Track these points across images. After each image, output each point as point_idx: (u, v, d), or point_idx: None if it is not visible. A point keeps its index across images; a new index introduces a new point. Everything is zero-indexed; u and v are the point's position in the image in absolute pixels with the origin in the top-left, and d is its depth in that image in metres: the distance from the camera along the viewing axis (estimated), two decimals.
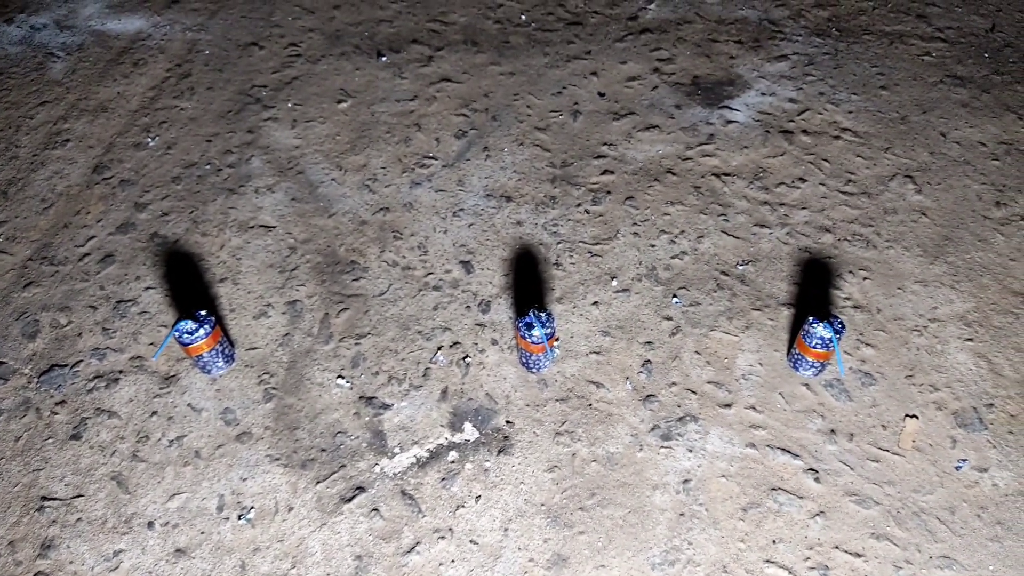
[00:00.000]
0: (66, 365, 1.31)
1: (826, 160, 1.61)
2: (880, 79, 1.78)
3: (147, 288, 1.41)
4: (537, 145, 1.64)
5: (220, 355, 1.26)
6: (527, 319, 1.25)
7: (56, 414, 1.26)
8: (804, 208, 1.53)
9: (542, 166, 1.61)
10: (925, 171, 1.60)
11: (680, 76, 1.76)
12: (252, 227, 1.50)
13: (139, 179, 1.58)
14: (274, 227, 1.50)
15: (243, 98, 1.73)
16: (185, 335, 1.21)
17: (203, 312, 1.23)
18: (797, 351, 1.27)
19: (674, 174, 1.59)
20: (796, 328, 1.34)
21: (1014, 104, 1.71)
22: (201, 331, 1.21)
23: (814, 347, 1.23)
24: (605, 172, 1.59)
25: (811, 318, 1.24)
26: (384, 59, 1.80)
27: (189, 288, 1.41)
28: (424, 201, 1.55)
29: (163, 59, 1.80)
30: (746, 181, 1.57)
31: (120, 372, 1.30)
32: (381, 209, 1.53)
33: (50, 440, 1.24)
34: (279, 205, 1.53)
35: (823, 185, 1.57)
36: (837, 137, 1.66)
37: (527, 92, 1.74)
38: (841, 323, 1.22)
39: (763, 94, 1.72)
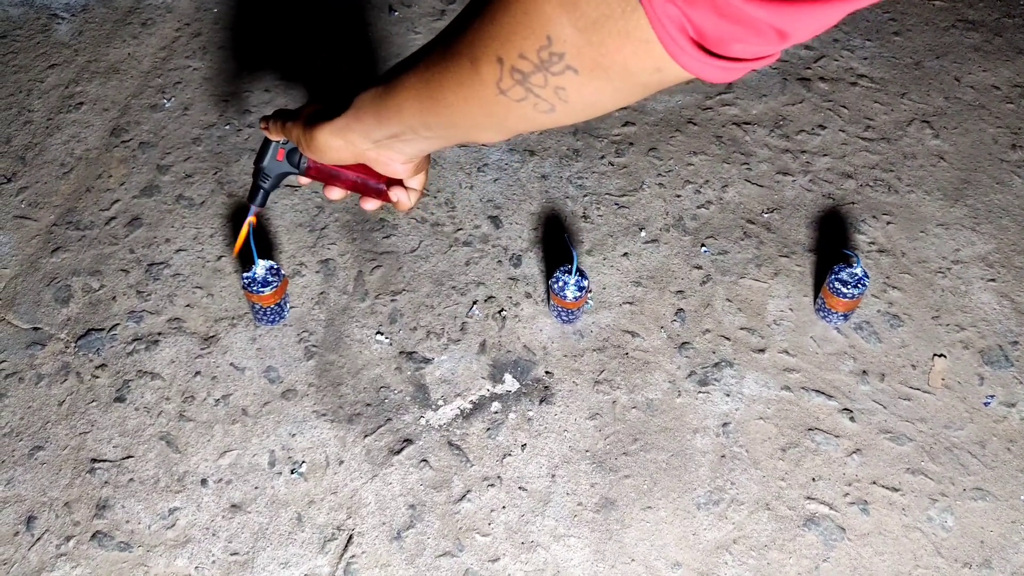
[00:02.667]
0: (103, 329, 1.32)
1: (844, 107, 1.63)
2: (893, 24, 1.78)
3: (178, 250, 1.41)
4: None
5: (280, 310, 1.30)
6: (561, 277, 1.26)
7: (97, 378, 1.27)
8: (825, 155, 1.55)
9: None
10: (941, 116, 1.62)
11: None
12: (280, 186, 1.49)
13: (159, 141, 1.56)
14: (299, 187, 1.49)
15: (257, 56, 1.71)
16: (255, 285, 1.24)
17: (275, 265, 1.26)
18: (823, 301, 1.30)
19: (695, 124, 1.59)
20: (821, 275, 1.36)
21: None
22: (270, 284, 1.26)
23: (843, 294, 1.25)
24: (626, 124, 1.59)
25: (835, 266, 1.26)
26: (396, 13, 1.78)
27: (220, 249, 1.41)
28: (447, 157, 1.55)
29: (171, 18, 1.77)
30: (767, 129, 1.59)
31: (159, 334, 1.31)
32: None
33: (94, 403, 1.24)
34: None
35: (843, 132, 1.59)
36: (854, 83, 1.67)
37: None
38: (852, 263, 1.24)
39: None
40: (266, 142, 0.93)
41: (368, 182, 0.87)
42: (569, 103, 0.54)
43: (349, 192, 0.90)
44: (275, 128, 0.87)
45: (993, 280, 1.38)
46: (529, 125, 0.59)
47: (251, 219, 1.03)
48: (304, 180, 0.94)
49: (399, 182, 0.84)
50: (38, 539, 1.12)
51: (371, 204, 0.88)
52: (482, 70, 0.55)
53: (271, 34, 1.75)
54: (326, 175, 0.90)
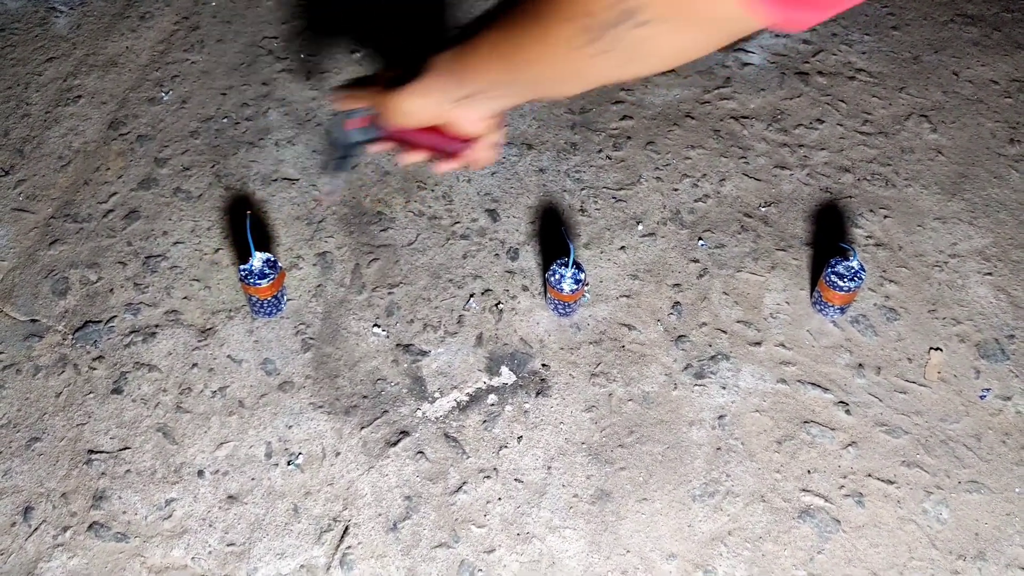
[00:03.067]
0: (100, 321, 1.32)
1: (842, 101, 1.63)
2: (891, 19, 1.78)
3: (175, 243, 1.41)
4: None
5: (276, 302, 1.30)
6: (557, 270, 1.27)
7: (94, 369, 1.27)
8: (823, 149, 1.55)
9: (561, 113, 1.61)
10: (939, 110, 1.62)
11: None
12: (275, 180, 1.49)
13: (156, 134, 1.56)
14: (297, 180, 1.50)
15: (255, 50, 1.71)
16: (251, 277, 1.24)
17: (271, 257, 1.26)
18: (820, 294, 1.30)
19: (693, 118, 1.59)
20: (818, 268, 1.36)
21: None
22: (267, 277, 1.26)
23: (839, 288, 1.25)
24: (624, 117, 1.59)
25: (833, 260, 1.26)
26: None
27: (218, 242, 1.41)
28: None
29: (169, 12, 1.77)
30: (764, 123, 1.59)
31: (156, 326, 1.31)
32: None
33: (91, 395, 1.25)
34: (300, 157, 1.53)
35: (840, 126, 1.59)
36: (852, 78, 1.67)
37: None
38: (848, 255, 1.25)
39: (777, 36, 1.72)
40: (337, 113, 0.95)
41: (443, 144, 0.89)
42: (652, 54, 0.56)
43: (422, 156, 0.92)
44: (348, 97, 0.89)
45: (990, 274, 1.38)
46: (610, 77, 0.61)
47: (331, 191, 1.05)
48: (376, 147, 0.95)
49: (473, 141, 0.85)
50: (35, 530, 1.13)
51: (445, 166, 0.91)
52: (564, 26, 0.57)
53: (268, 27, 1.75)
54: (400, 140, 0.92)
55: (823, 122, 1.59)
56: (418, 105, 0.78)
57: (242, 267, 1.26)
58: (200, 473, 1.17)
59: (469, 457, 1.19)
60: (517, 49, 0.63)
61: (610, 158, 1.53)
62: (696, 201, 1.47)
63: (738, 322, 1.33)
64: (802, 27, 0.50)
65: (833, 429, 1.22)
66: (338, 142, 0.96)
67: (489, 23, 0.66)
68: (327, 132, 0.97)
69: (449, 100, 0.76)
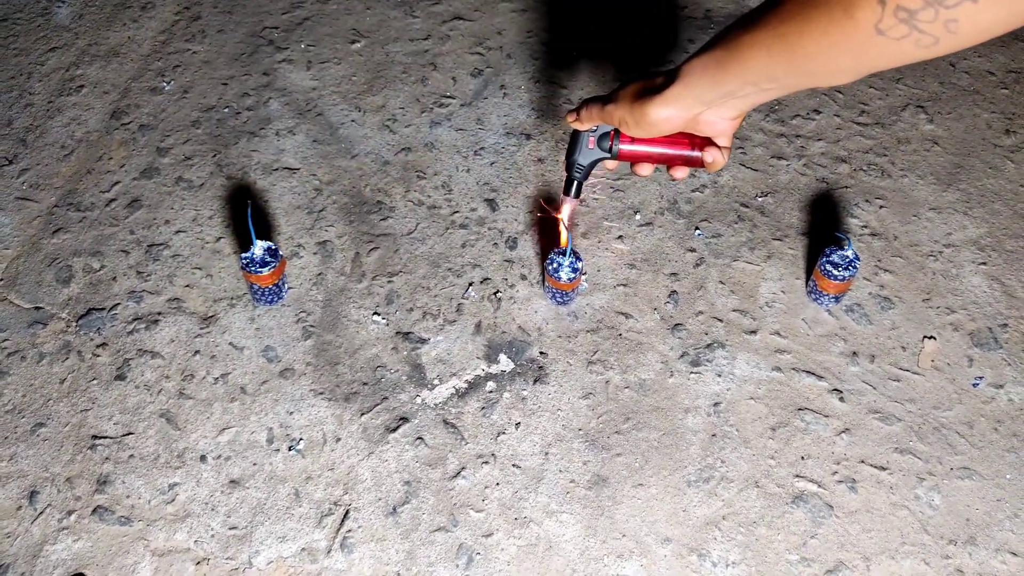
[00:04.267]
0: (103, 308, 1.33)
1: (839, 92, 1.64)
2: None
3: (177, 232, 1.42)
4: (554, 83, 1.65)
5: (278, 290, 1.32)
6: (555, 259, 1.28)
7: (98, 356, 1.29)
8: (820, 139, 1.56)
9: (559, 103, 1.62)
10: (936, 101, 1.63)
11: (693, 10, 1.77)
12: (276, 169, 1.51)
13: (158, 124, 1.57)
14: (298, 169, 1.51)
15: (255, 40, 1.72)
16: (252, 265, 1.26)
17: (273, 246, 1.28)
18: (815, 283, 1.31)
19: None
20: (814, 258, 1.38)
21: (1022, 32, 1.73)
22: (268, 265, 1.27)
23: (835, 276, 1.27)
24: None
25: (827, 249, 1.28)
26: None
27: (219, 231, 1.43)
28: (445, 140, 1.56)
29: (171, 2, 1.78)
30: (762, 114, 1.60)
31: (159, 314, 1.33)
32: (403, 149, 1.54)
33: (95, 381, 1.26)
34: (301, 147, 1.54)
35: (837, 116, 1.60)
36: None
37: (540, 29, 1.74)
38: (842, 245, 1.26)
39: None
40: (576, 133, 1.01)
41: (679, 152, 0.93)
42: (958, 34, 0.57)
43: (656, 166, 0.97)
44: (588, 116, 0.94)
45: (984, 264, 1.40)
46: (898, 61, 0.62)
47: (569, 212, 1.14)
48: (612, 164, 1.01)
49: (709, 143, 0.90)
50: (40, 513, 1.14)
51: (682, 172, 0.95)
52: (857, 15, 0.58)
53: (269, 17, 1.75)
54: (637, 154, 0.97)
55: (820, 113, 1.60)
56: (668, 113, 0.82)
57: (243, 255, 1.27)
58: (203, 458, 1.19)
59: (468, 443, 1.21)
60: (794, 44, 0.65)
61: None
62: (693, 191, 1.49)
63: (734, 311, 1.34)
64: None
65: (827, 416, 1.23)
66: (578, 163, 1.01)
67: (755, 20, 0.69)
68: (567, 155, 1.02)
69: (700, 103, 0.80)
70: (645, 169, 0.98)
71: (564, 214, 1.17)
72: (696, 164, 0.95)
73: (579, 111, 0.96)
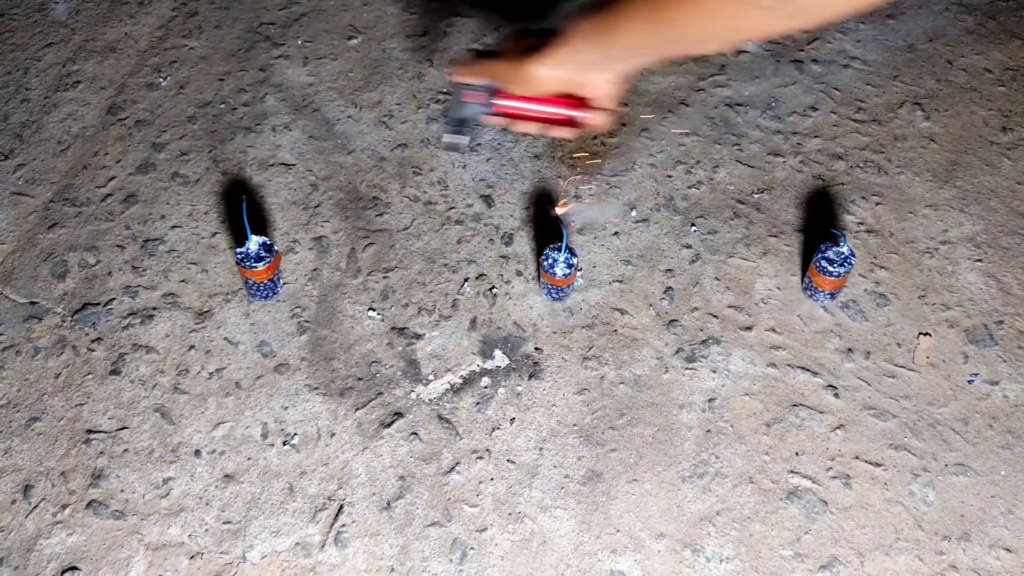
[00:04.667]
0: (99, 303, 1.33)
1: (836, 88, 1.63)
2: (887, 8, 1.79)
3: (173, 227, 1.42)
4: None
5: (273, 285, 1.32)
6: (551, 255, 1.28)
7: (93, 351, 1.29)
8: (816, 136, 1.56)
9: None
10: (933, 98, 1.63)
11: None
12: (272, 165, 1.51)
13: (154, 119, 1.57)
14: (294, 165, 1.51)
15: (252, 36, 1.72)
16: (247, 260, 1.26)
17: (268, 241, 1.28)
18: (810, 280, 1.31)
19: (687, 105, 1.60)
20: (810, 255, 1.38)
21: (1019, 30, 1.73)
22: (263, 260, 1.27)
23: (830, 273, 1.27)
24: (619, 104, 1.60)
25: (822, 245, 1.28)
26: None
27: (215, 226, 1.43)
28: (441, 136, 1.56)
29: None
30: (759, 111, 1.60)
31: (154, 309, 1.33)
32: (399, 145, 1.54)
33: (90, 376, 1.26)
34: (297, 143, 1.54)
35: (834, 113, 1.59)
36: (846, 66, 1.67)
37: (536, 26, 1.74)
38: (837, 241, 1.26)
39: None
40: (457, 85, 0.98)
41: (557, 110, 0.91)
42: (826, 6, 0.59)
43: (536, 127, 0.95)
44: (468, 70, 0.92)
45: (980, 260, 1.40)
46: (769, 31, 0.63)
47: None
48: (491, 120, 0.98)
49: (590, 106, 0.89)
50: (35, 507, 1.14)
51: (560, 132, 0.94)
52: None
53: (266, 13, 1.75)
54: (516, 112, 0.94)
55: (817, 109, 1.60)
56: (549, 74, 0.82)
57: (239, 250, 1.27)
58: (197, 453, 1.19)
59: (462, 438, 1.21)
60: (671, 10, 0.66)
61: (604, 144, 1.54)
62: (689, 188, 1.49)
63: (729, 307, 1.34)
64: None
65: (821, 412, 1.23)
66: (455, 115, 0.99)
67: None
68: (447, 105, 0.98)
69: (583, 65, 0.80)
70: (525, 127, 0.96)
71: (445, 147, 1.09)
72: (574, 125, 0.93)
73: (461, 65, 0.95)
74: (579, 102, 0.90)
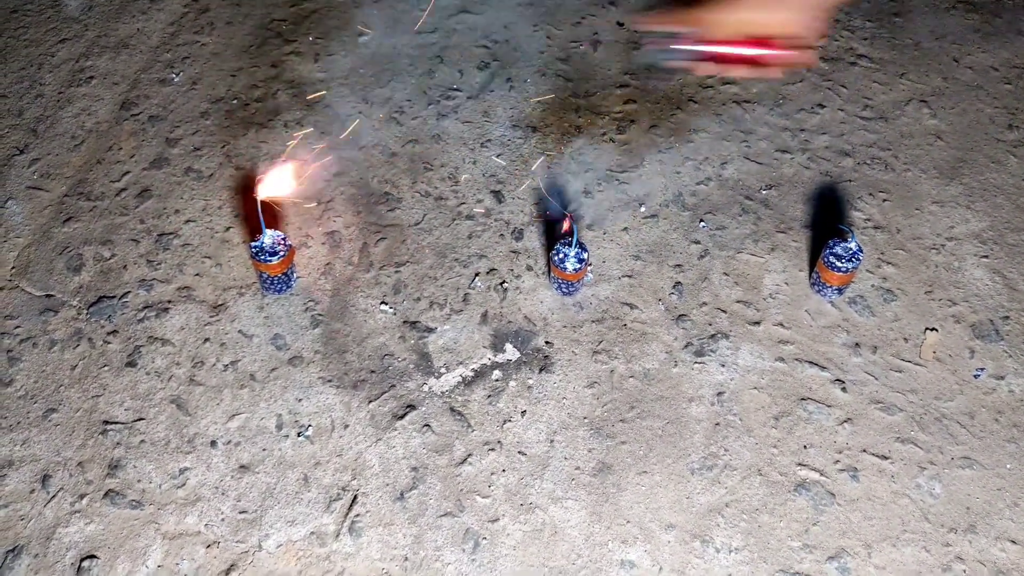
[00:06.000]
0: (114, 297, 1.35)
1: (843, 86, 1.65)
2: (893, 6, 1.80)
3: (187, 221, 1.44)
4: (560, 76, 1.66)
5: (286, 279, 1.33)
6: (561, 250, 1.29)
7: (109, 343, 1.30)
8: (824, 133, 1.57)
9: (566, 96, 1.63)
10: (939, 96, 1.64)
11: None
12: (284, 160, 1.52)
13: (167, 115, 1.59)
14: (306, 160, 1.52)
15: (263, 32, 1.73)
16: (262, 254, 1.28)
17: (282, 235, 1.30)
18: (818, 275, 1.32)
19: (696, 102, 1.62)
20: (817, 250, 1.39)
21: None
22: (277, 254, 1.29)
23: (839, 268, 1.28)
24: (628, 101, 1.62)
25: (831, 241, 1.29)
26: None
27: (228, 220, 1.44)
28: (452, 132, 1.57)
29: None
30: (766, 108, 1.61)
31: (169, 302, 1.34)
32: (410, 141, 1.56)
33: (106, 368, 1.28)
34: (309, 139, 1.55)
35: (841, 111, 1.61)
36: (854, 63, 1.69)
37: (546, 23, 1.76)
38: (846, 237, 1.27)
39: None
40: (644, 35, 0.99)
41: (759, 52, 0.93)
42: None
43: (723, 67, 0.97)
44: (660, 19, 0.95)
45: (986, 256, 1.41)
46: None
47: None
48: (680, 64, 0.99)
49: (786, 46, 0.91)
50: (53, 497, 1.16)
51: (769, 72, 0.95)
52: None
53: (277, 9, 1.77)
54: (708, 56, 0.97)
55: (824, 107, 1.61)
56: (752, 12, 0.85)
57: (253, 244, 1.29)
58: (213, 443, 1.20)
59: (474, 430, 1.22)
60: None
61: (614, 141, 1.55)
62: (698, 184, 1.50)
63: (738, 302, 1.35)
64: None
65: (829, 406, 1.25)
66: (649, 61, 1.00)
67: None
68: (639, 51, 0.99)
69: (783, 3, 0.84)
70: (710, 69, 0.98)
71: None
72: (769, 63, 0.94)
73: (647, 14, 0.98)
74: (779, 41, 0.91)
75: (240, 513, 1.15)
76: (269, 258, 1.27)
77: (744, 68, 0.96)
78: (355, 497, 1.16)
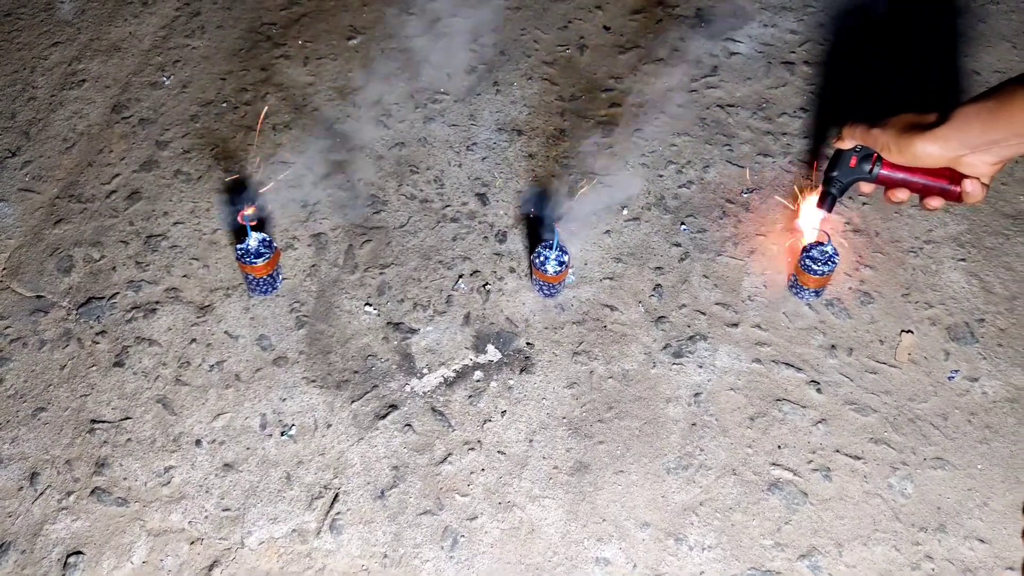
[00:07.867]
0: (103, 297, 1.37)
1: (826, 90, 1.66)
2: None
3: (176, 223, 1.46)
4: (546, 79, 1.68)
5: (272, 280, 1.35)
6: (542, 252, 1.31)
7: (97, 343, 1.32)
8: (806, 137, 1.59)
9: (551, 100, 1.65)
10: (921, 100, 1.65)
11: (684, 8, 1.80)
12: (272, 163, 1.54)
13: (158, 118, 1.61)
14: (294, 163, 1.54)
15: (253, 36, 1.75)
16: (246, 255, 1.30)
17: (268, 237, 1.32)
18: (796, 278, 1.34)
19: (680, 106, 1.64)
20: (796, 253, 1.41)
21: (1009, 33, 1.76)
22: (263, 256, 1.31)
23: (815, 271, 1.30)
24: (613, 105, 1.64)
25: (807, 244, 1.31)
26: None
27: (216, 223, 1.46)
28: (438, 136, 1.59)
29: None
30: (750, 112, 1.63)
31: (157, 303, 1.36)
32: (396, 144, 1.58)
33: (94, 368, 1.30)
34: (297, 142, 1.57)
35: (823, 115, 1.62)
36: (836, 68, 1.70)
37: (533, 27, 1.77)
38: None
39: (765, 25, 1.76)
40: (839, 151, 1.07)
41: (935, 183, 1.00)
42: None
43: (911, 194, 1.04)
44: (851, 135, 1.03)
45: (963, 260, 1.43)
46: None
47: (819, 222, 1.23)
48: (869, 188, 1.07)
49: (963, 181, 0.98)
50: (41, 494, 1.19)
51: (936, 202, 1.03)
52: None
53: (267, 13, 1.79)
54: (896, 180, 1.03)
55: (807, 111, 1.63)
56: (932, 150, 0.93)
57: (238, 246, 1.31)
58: (198, 442, 1.23)
59: (454, 430, 1.24)
60: None
61: (598, 144, 1.57)
62: (680, 187, 1.52)
63: (716, 304, 1.37)
64: None
65: (804, 407, 1.27)
66: (836, 179, 1.08)
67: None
68: (826, 170, 1.09)
69: (965, 147, 0.91)
70: (900, 195, 1.05)
71: (813, 220, 1.26)
72: (952, 197, 1.00)
73: (844, 130, 1.04)
74: (955, 174, 0.97)
75: (223, 511, 1.17)
76: (255, 260, 1.30)
77: (937, 199, 1.02)
78: (336, 495, 1.18)
